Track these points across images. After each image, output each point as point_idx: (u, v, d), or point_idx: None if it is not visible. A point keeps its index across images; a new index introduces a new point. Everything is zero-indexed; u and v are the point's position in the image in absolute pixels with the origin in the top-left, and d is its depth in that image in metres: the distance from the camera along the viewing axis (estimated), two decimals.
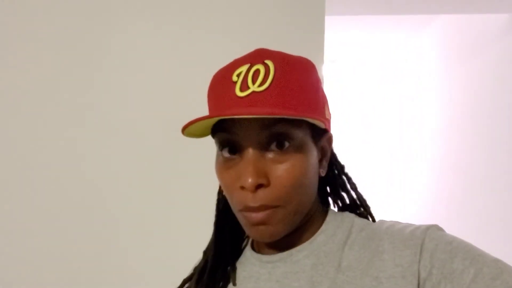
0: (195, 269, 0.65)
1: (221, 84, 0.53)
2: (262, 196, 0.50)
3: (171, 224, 1.41)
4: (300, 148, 0.52)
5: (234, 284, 0.59)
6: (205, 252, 0.65)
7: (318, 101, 0.54)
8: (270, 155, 0.51)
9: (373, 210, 0.63)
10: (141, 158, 1.42)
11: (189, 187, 1.41)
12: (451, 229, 0.56)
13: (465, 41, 2.84)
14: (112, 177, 1.41)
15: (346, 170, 0.64)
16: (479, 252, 0.49)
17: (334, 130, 0.63)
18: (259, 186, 0.50)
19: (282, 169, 0.50)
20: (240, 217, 0.54)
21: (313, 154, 0.54)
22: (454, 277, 0.47)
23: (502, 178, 2.33)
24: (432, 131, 3.33)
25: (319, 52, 1.40)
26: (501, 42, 2.39)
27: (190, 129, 0.51)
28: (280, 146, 0.51)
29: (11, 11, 1.41)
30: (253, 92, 0.50)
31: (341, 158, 0.65)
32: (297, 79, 0.51)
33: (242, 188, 0.50)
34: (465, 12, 2.50)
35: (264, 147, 0.51)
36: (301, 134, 0.52)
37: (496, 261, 0.48)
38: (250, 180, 0.49)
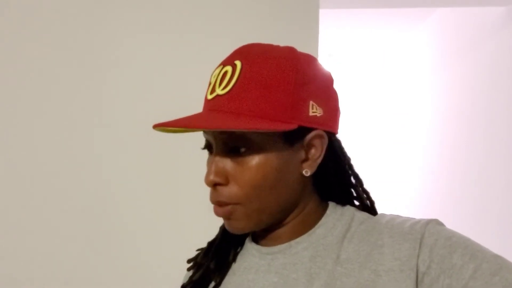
0: (208, 242, 0.68)
1: (208, 84, 0.57)
2: (220, 193, 0.54)
3: (173, 222, 1.41)
4: (261, 151, 0.52)
5: (234, 261, 0.62)
6: (220, 227, 0.67)
7: (290, 99, 0.51)
8: (232, 156, 0.54)
9: (377, 206, 0.62)
10: (142, 156, 1.41)
11: (191, 183, 1.40)
12: (446, 225, 0.55)
13: (462, 34, 2.84)
14: (114, 176, 1.41)
15: (353, 166, 0.63)
16: (478, 248, 0.49)
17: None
18: (218, 184, 0.54)
19: (240, 171, 0.53)
20: None
21: (282, 156, 0.53)
22: (453, 272, 0.47)
23: (499, 173, 2.33)
24: (428, 125, 3.33)
25: (313, 46, 1.39)
26: (498, 35, 2.39)
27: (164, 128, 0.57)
28: (239, 149, 0.53)
29: (11, 11, 1.39)
30: (217, 95, 0.53)
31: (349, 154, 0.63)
32: (262, 78, 0.51)
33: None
34: (462, 5, 2.49)
35: (227, 149, 0.54)
36: (260, 137, 0.52)
37: (496, 257, 0.48)
38: (210, 178, 0.53)
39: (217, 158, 0.54)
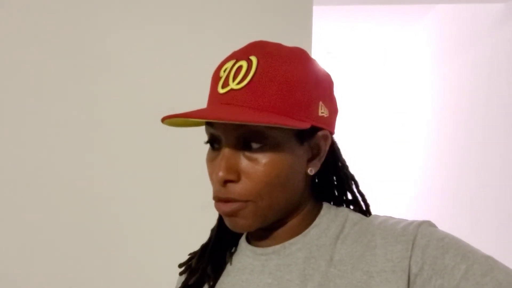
0: (201, 245, 0.67)
1: (213, 78, 0.56)
2: (231, 190, 0.52)
3: (171, 221, 1.41)
4: (275, 147, 0.52)
5: (231, 264, 0.62)
6: (212, 230, 0.67)
7: (305, 98, 0.52)
8: (245, 152, 0.53)
9: (372, 208, 0.62)
10: (139, 156, 1.41)
11: (188, 182, 1.40)
12: (444, 226, 0.56)
13: (461, 31, 2.83)
14: (112, 175, 1.41)
15: (349, 167, 0.63)
16: (470, 249, 0.49)
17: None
18: (228, 181, 0.52)
19: (253, 167, 0.52)
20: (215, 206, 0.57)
21: (294, 154, 0.54)
22: (445, 273, 0.47)
23: (499, 171, 2.33)
24: (428, 123, 3.33)
25: (308, 43, 1.37)
26: (497, 32, 2.38)
27: (180, 122, 0.56)
28: (254, 145, 0.52)
29: (9, 10, 1.39)
30: (231, 89, 0.52)
31: (345, 155, 0.64)
32: (280, 76, 0.51)
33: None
34: (461, 1, 2.49)
35: (240, 144, 0.53)
36: (277, 134, 0.51)
37: (487, 258, 0.48)
38: (220, 174, 0.51)
39: (228, 154, 0.52)
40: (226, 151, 0.52)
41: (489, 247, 0.55)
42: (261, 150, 0.52)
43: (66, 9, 1.40)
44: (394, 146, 4.03)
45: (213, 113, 0.50)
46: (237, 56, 0.54)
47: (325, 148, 0.57)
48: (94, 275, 1.40)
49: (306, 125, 0.51)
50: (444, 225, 0.56)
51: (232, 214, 0.53)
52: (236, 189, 0.52)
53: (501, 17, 2.35)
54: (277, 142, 0.52)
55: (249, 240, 0.63)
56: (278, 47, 0.55)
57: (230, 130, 0.52)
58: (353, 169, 0.64)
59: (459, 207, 2.73)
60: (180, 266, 0.66)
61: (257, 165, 0.52)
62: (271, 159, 0.52)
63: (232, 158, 0.52)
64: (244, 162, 0.52)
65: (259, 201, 0.53)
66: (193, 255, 0.67)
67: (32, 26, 1.40)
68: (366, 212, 0.60)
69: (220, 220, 0.65)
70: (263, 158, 0.52)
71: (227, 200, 0.53)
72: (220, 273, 0.62)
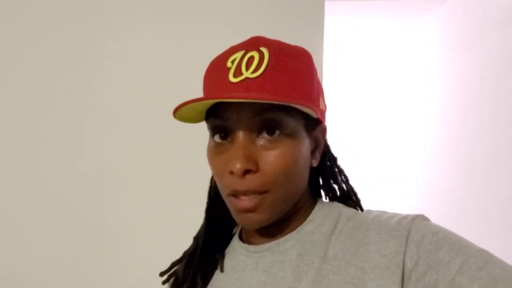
0: (185, 253, 0.66)
1: (216, 70, 0.54)
2: (250, 181, 0.51)
3: (173, 220, 1.41)
4: (291, 136, 0.52)
5: (222, 271, 0.60)
6: (195, 238, 0.66)
7: (312, 91, 0.53)
8: (260, 141, 0.52)
9: (363, 203, 0.63)
10: (136, 155, 1.40)
11: (187, 183, 1.40)
12: (449, 225, 0.55)
13: (471, 26, 2.80)
14: (110, 174, 1.40)
15: (339, 162, 0.64)
16: (465, 243, 0.49)
17: (337, 117, 0.62)
18: (247, 172, 0.50)
19: (272, 155, 0.51)
20: (228, 203, 0.55)
21: (305, 144, 0.54)
22: (440, 267, 0.47)
23: (504, 172, 2.31)
24: (433, 121, 3.30)
25: (319, 39, 1.37)
26: (507, 27, 2.35)
27: (183, 113, 0.52)
28: (271, 133, 0.51)
29: (8, 9, 1.39)
30: (246, 78, 0.50)
31: (335, 150, 0.65)
32: (292, 67, 0.52)
33: (231, 173, 0.51)
34: None
35: (255, 133, 0.52)
36: (293, 123, 0.52)
37: (482, 252, 0.47)
38: (238, 165, 0.49)
39: (244, 143, 0.51)
40: (240, 140, 0.51)
41: (493, 247, 0.54)
42: (277, 138, 0.51)
43: (70, 7, 1.40)
44: (400, 144, 4.01)
45: (239, 95, 0.48)
46: (245, 47, 0.53)
47: (323, 141, 0.58)
48: (95, 275, 1.40)
49: (318, 114, 0.53)
50: (447, 225, 0.55)
51: (252, 210, 0.52)
52: (255, 180, 0.50)
53: (511, 12, 2.32)
54: (291, 131, 0.52)
55: (241, 238, 0.62)
56: (281, 42, 0.56)
57: (245, 119, 0.51)
58: (356, 166, 0.65)
59: (463, 208, 2.71)
60: (161, 274, 0.64)
61: (274, 153, 0.51)
62: (288, 147, 0.51)
63: (248, 147, 0.51)
64: (261, 151, 0.51)
65: (276, 192, 0.52)
66: (175, 263, 0.65)
67: (34, 25, 1.39)
68: (356, 205, 0.61)
69: (209, 223, 0.64)
70: (279, 147, 0.51)
71: (245, 193, 0.51)
72: (209, 279, 0.60)
